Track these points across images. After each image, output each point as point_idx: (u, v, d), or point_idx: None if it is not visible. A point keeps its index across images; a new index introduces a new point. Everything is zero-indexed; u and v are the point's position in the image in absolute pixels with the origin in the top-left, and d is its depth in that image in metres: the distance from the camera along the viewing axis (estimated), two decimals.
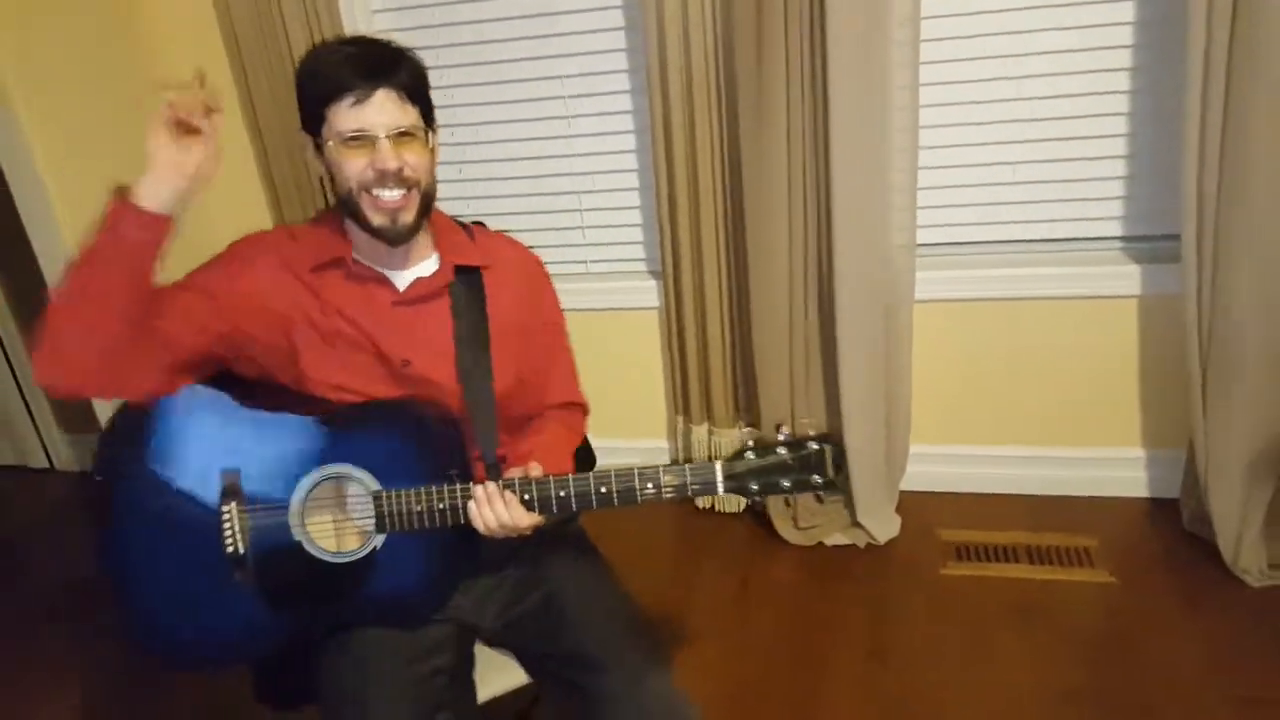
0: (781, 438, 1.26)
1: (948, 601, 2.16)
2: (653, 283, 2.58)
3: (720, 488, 1.25)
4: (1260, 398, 2.03)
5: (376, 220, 1.28)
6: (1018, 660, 1.95)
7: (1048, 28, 2.18)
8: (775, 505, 2.47)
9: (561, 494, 1.26)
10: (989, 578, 2.22)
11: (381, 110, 1.24)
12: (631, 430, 2.75)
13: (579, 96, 2.51)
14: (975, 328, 2.42)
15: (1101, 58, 2.17)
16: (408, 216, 1.28)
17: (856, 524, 2.43)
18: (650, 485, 1.25)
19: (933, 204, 2.38)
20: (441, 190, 2.73)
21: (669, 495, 1.26)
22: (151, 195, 1.17)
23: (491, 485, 1.25)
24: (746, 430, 2.53)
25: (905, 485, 2.53)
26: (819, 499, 2.41)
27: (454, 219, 1.46)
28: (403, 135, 1.26)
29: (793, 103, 2.13)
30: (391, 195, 1.26)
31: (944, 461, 2.57)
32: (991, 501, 2.52)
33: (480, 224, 1.53)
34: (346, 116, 1.23)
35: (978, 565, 2.27)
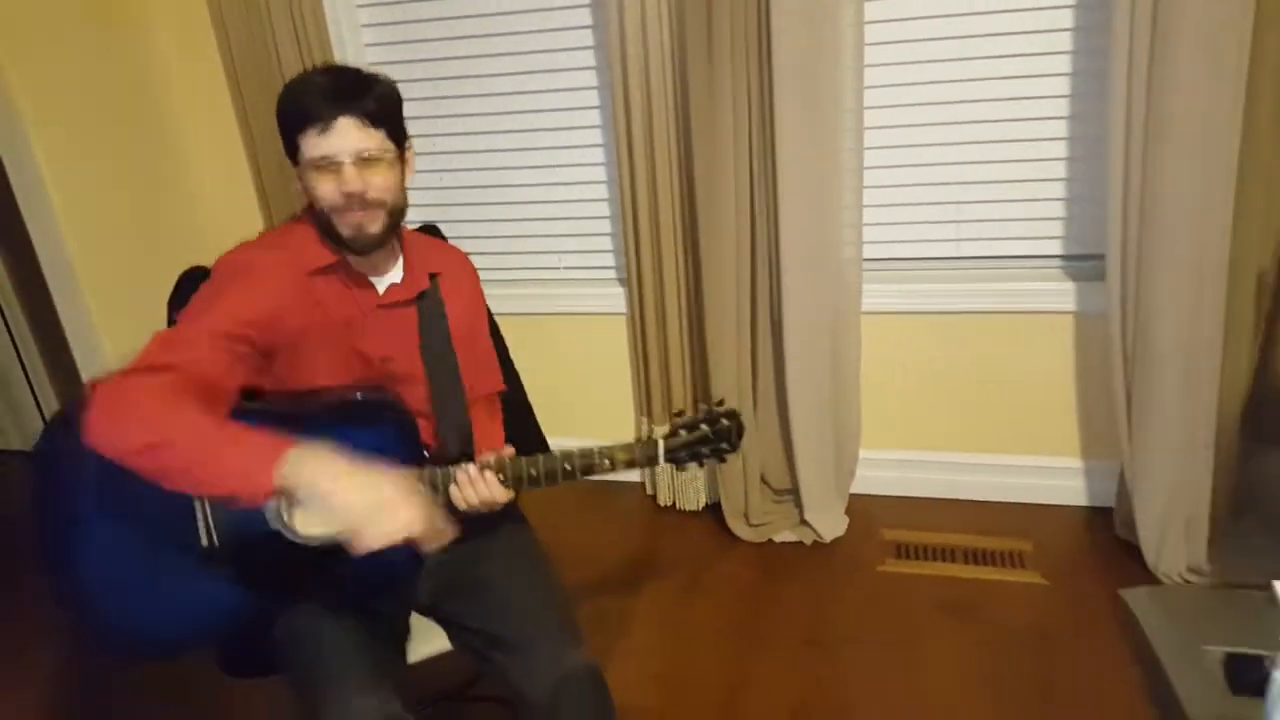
0: (700, 416, 1.51)
1: (883, 596, 2.28)
2: (621, 290, 2.72)
3: (661, 459, 1.48)
4: (1180, 411, 2.14)
5: (345, 231, 1.39)
6: (941, 651, 2.07)
7: (986, 55, 2.30)
8: (729, 504, 2.60)
9: (533, 472, 1.42)
10: (925, 575, 2.34)
11: (344, 137, 1.33)
12: (601, 430, 2.88)
13: (549, 111, 2.66)
14: (923, 340, 2.54)
15: (1038, 85, 2.29)
16: (373, 227, 1.39)
17: (804, 522, 2.56)
18: (606, 460, 1.46)
19: (882, 221, 2.50)
20: (425, 198, 2.89)
21: (622, 467, 1.47)
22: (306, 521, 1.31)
23: (472, 467, 1.39)
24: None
25: (856, 488, 2.65)
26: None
27: (413, 227, 1.60)
28: (367, 159, 1.36)
29: (740, 124, 2.26)
30: (357, 216, 1.37)
31: (893, 466, 2.68)
32: (936, 505, 2.63)
33: (431, 228, 1.67)
34: (313, 144, 1.34)
35: (916, 564, 2.39)
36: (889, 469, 2.69)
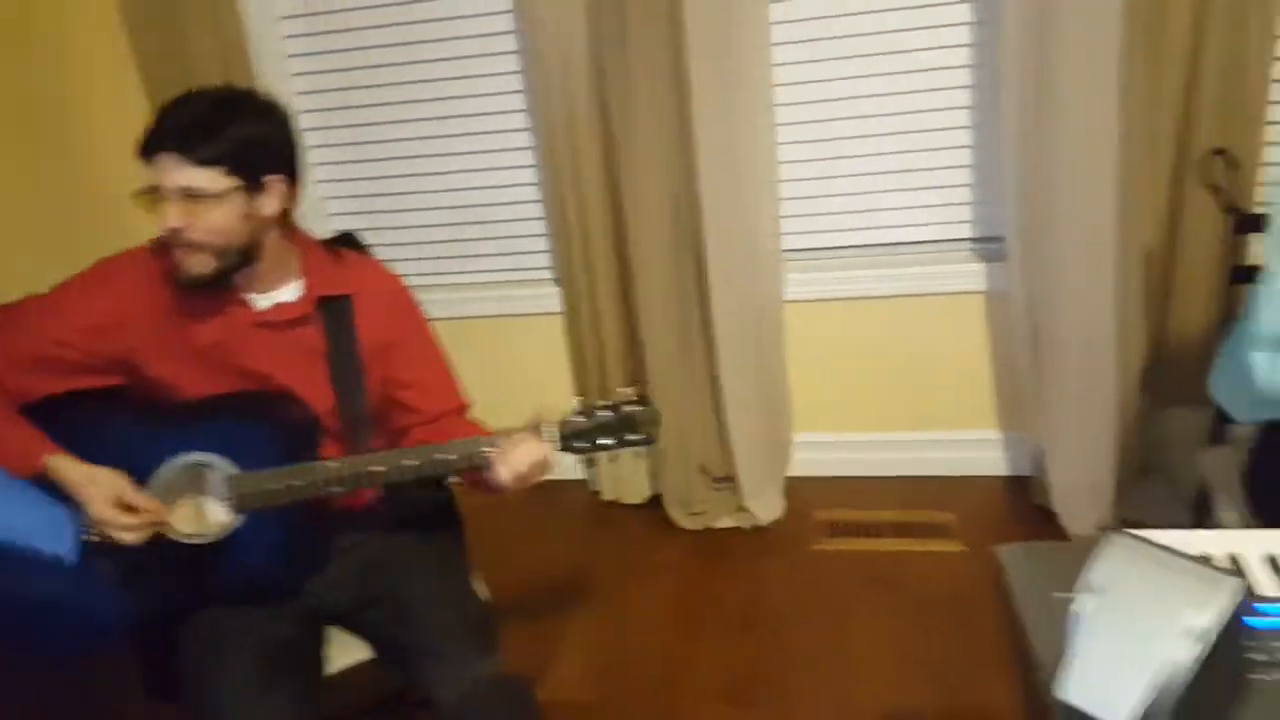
0: (604, 404, 1.47)
1: (817, 574, 2.38)
2: (557, 289, 2.77)
3: (558, 445, 1.45)
4: (1081, 381, 2.26)
5: (169, 266, 1.42)
6: (870, 623, 2.18)
7: (892, 51, 2.40)
8: (670, 494, 2.69)
9: (436, 456, 1.45)
10: (856, 552, 2.45)
11: (162, 171, 1.34)
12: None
13: (474, 116, 2.71)
14: (846, 325, 2.64)
15: (942, 76, 2.39)
16: (196, 269, 1.40)
17: (743, 508, 2.65)
18: (494, 448, 1.43)
19: (801, 212, 2.59)
20: (353, 205, 2.88)
21: None
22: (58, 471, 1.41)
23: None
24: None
25: (793, 471, 2.75)
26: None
27: (324, 243, 1.63)
28: (189, 196, 1.34)
29: (659, 122, 2.33)
30: (178, 254, 1.39)
31: (826, 448, 2.78)
32: (869, 484, 2.74)
33: (350, 240, 1.72)
34: (144, 172, 1.36)
35: (847, 541, 2.50)
36: (822, 451, 2.79)
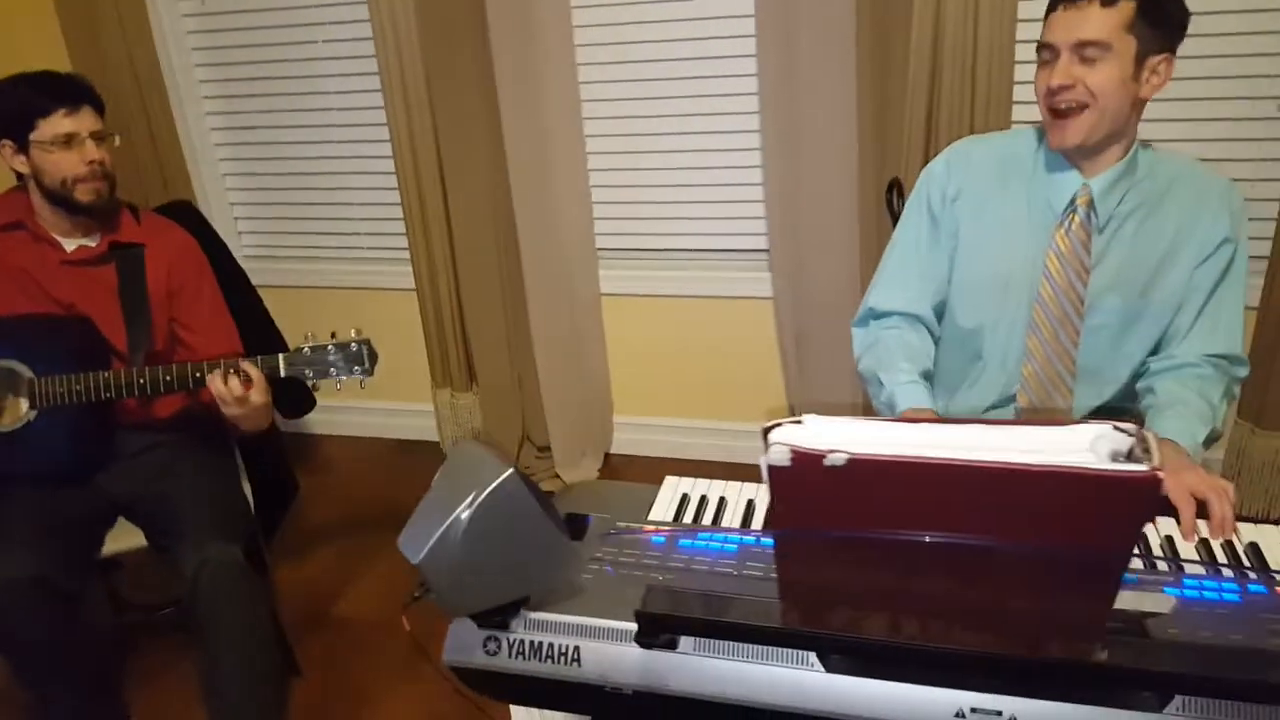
0: (330, 340, 1.80)
1: None
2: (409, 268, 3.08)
3: (282, 371, 1.79)
4: (836, 377, 2.55)
5: (85, 198, 1.82)
6: None
7: (684, 75, 2.68)
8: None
9: (197, 375, 1.77)
10: None
11: (85, 120, 1.80)
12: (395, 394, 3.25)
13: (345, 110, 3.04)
14: (660, 320, 2.93)
15: (734, 102, 2.65)
16: (104, 194, 1.85)
17: (557, 475, 2.96)
18: (231, 369, 1.75)
19: (617, 215, 2.88)
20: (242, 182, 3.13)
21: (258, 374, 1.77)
22: None
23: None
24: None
25: (617, 449, 3.06)
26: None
27: (126, 204, 1.99)
28: (100, 138, 1.83)
29: (478, 120, 2.66)
30: (99, 184, 1.82)
31: (644, 430, 3.09)
32: (675, 465, 3.03)
33: (187, 207, 2.09)
34: (58, 123, 1.77)
35: None
36: (640, 432, 3.09)
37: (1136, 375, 1.57)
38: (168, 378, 1.78)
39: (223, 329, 2.04)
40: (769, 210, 2.51)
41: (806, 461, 0.71)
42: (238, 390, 1.74)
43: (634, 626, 1.03)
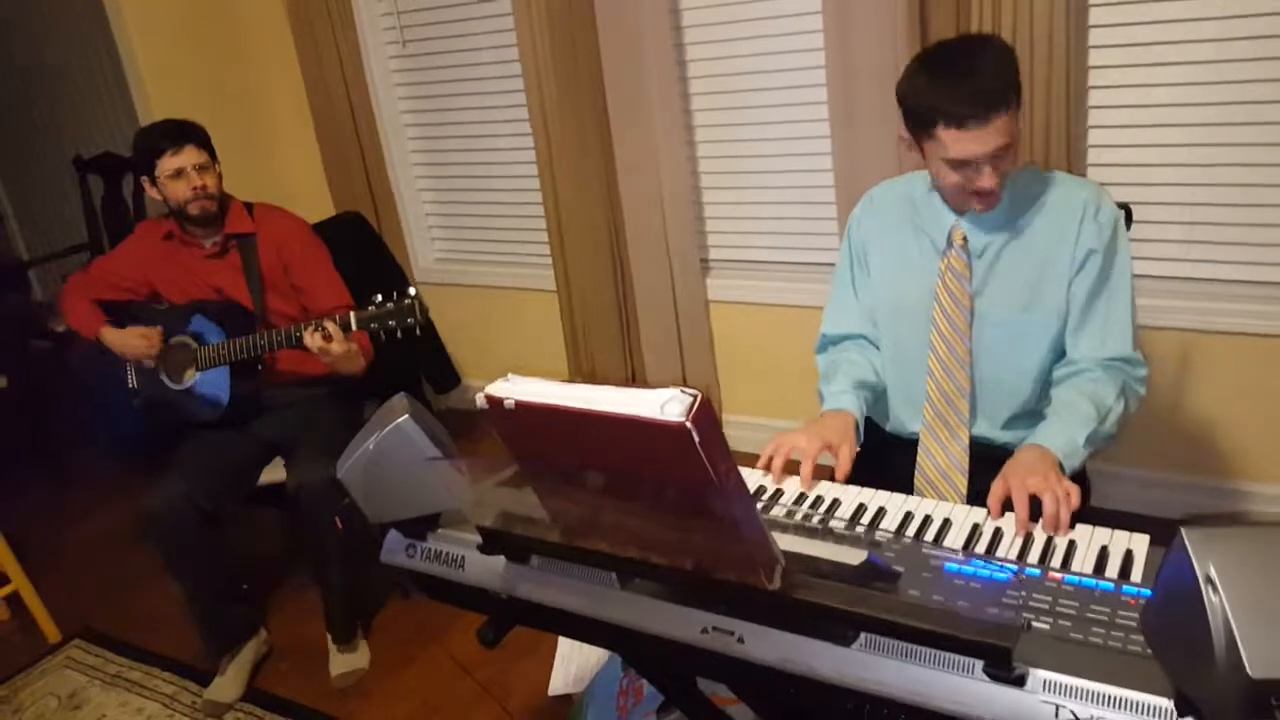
0: (388, 299, 2.21)
1: None
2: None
3: (354, 326, 2.22)
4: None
5: (195, 211, 2.38)
6: None
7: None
8: None
9: (297, 335, 2.27)
10: None
11: (190, 156, 2.35)
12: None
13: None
14: (763, 326, 3.16)
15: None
16: (210, 209, 2.40)
17: None
18: (313, 327, 2.23)
19: (726, 229, 3.15)
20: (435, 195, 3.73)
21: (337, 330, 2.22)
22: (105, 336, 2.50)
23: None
24: None
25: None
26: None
27: (244, 203, 2.54)
28: (202, 168, 2.35)
29: (595, 151, 3.05)
30: (204, 203, 2.37)
31: (753, 430, 3.31)
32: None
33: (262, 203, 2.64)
34: (169, 162, 2.34)
35: None
36: (748, 431, 3.32)
37: (1046, 382, 1.67)
38: (278, 337, 2.32)
39: (332, 288, 2.54)
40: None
41: (495, 404, 1.00)
42: (319, 343, 2.23)
43: None
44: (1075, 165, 2.37)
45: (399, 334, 2.22)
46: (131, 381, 2.53)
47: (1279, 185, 2.28)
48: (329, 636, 2.45)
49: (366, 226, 2.86)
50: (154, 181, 2.40)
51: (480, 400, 1.00)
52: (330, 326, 2.23)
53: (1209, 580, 0.89)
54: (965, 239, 1.66)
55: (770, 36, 2.82)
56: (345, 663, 2.42)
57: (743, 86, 2.93)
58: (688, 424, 0.87)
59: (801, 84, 2.81)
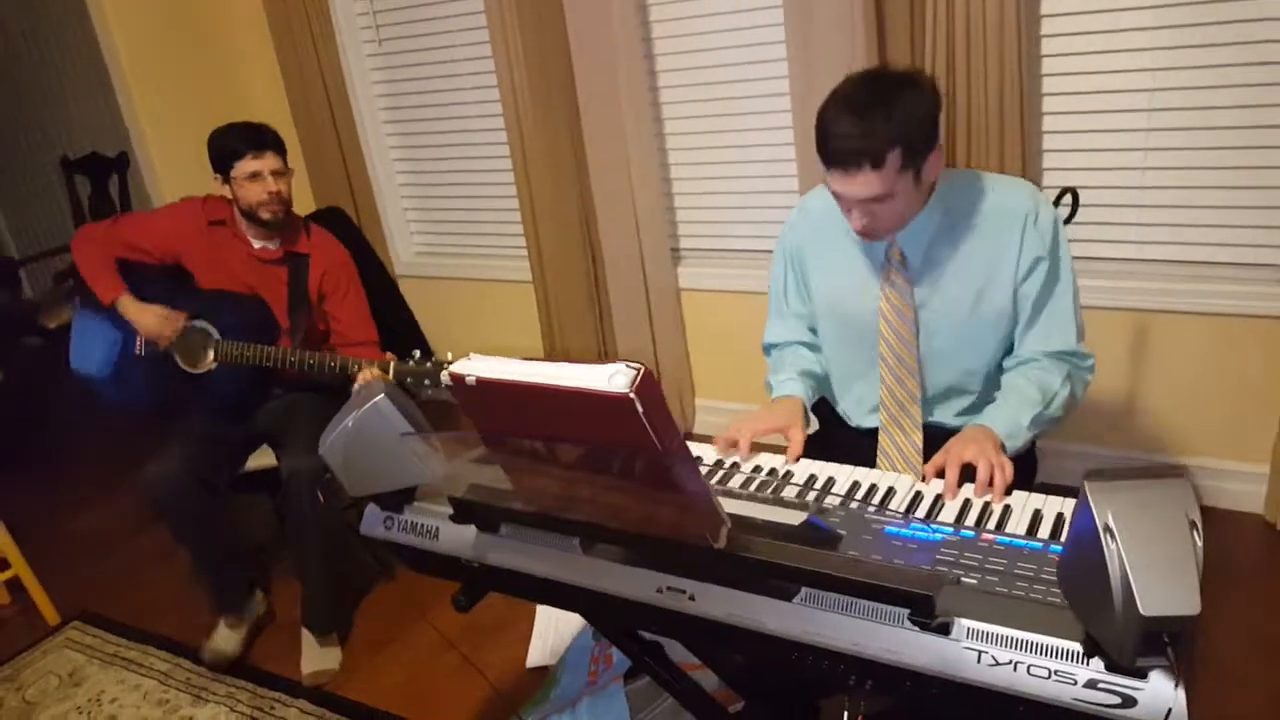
0: (419, 354, 2.23)
1: None
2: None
3: (391, 376, 2.23)
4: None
5: (266, 215, 2.44)
6: None
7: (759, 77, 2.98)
8: None
9: (350, 372, 2.35)
10: None
11: (269, 160, 2.41)
12: None
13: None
14: (734, 312, 3.25)
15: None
16: (281, 214, 2.46)
17: None
18: (355, 366, 2.34)
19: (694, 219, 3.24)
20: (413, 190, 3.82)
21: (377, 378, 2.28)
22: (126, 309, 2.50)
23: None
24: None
25: (700, 429, 3.41)
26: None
27: (306, 219, 2.63)
28: (278, 174, 2.41)
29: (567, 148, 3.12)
30: (276, 209, 2.43)
31: (726, 414, 3.41)
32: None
33: (338, 212, 2.76)
34: (248, 164, 2.39)
35: None
36: (721, 416, 3.41)
37: (997, 377, 1.74)
38: (331, 364, 2.37)
39: (362, 323, 2.64)
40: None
41: (458, 381, 1.08)
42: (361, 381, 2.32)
43: None
44: (1029, 147, 2.45)
45: (414, 390, 2.25)
46: (139, 349, 2.60)
47: (1230, 168, 2.38)
48: (304, 628, 2.50)
49: (348, 222, 2.93)
50: (227, 180, 2.44)
51: (444, 378, 1.08)
52: (379, 373, 2.28)
53: (1107, 529, 0.98)
54: (902, 254, 1.68)
55: (735, 30, 2.91)
56: (318, 659, 2.46)
57: (709, 79, 3.02)
58: (631, 395, 0.95)
59: (766, 75, 2.90)
